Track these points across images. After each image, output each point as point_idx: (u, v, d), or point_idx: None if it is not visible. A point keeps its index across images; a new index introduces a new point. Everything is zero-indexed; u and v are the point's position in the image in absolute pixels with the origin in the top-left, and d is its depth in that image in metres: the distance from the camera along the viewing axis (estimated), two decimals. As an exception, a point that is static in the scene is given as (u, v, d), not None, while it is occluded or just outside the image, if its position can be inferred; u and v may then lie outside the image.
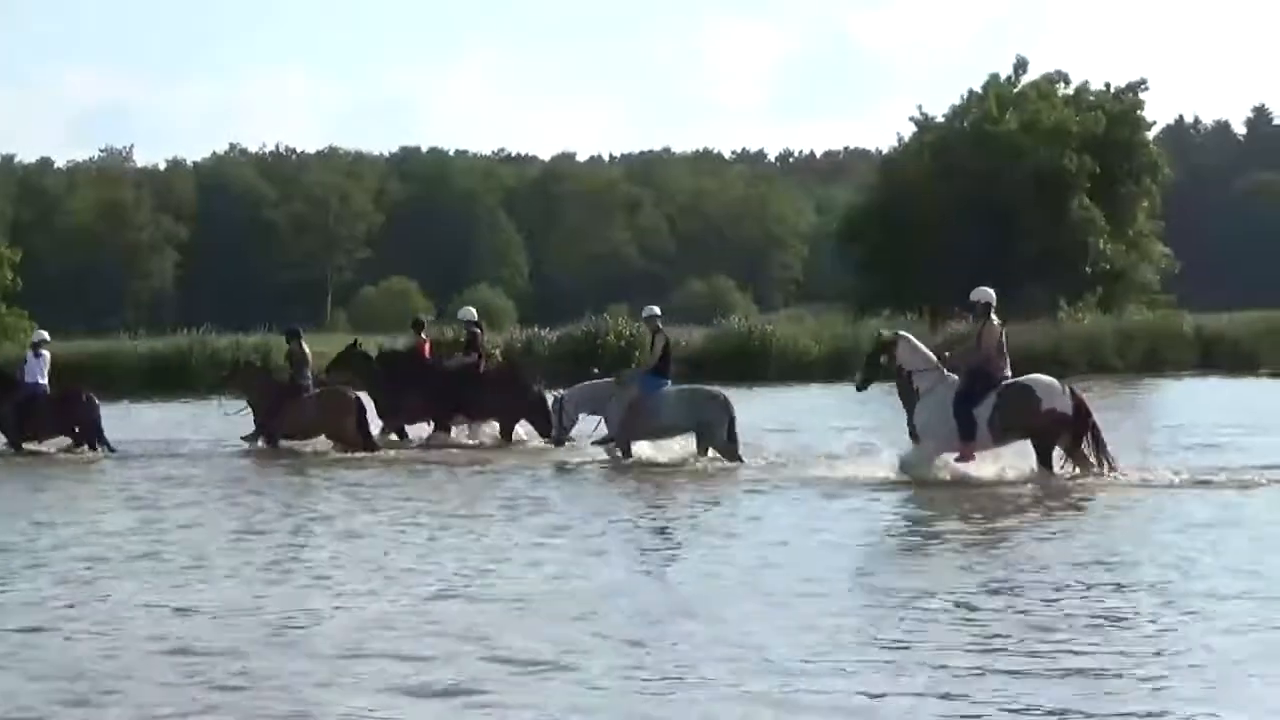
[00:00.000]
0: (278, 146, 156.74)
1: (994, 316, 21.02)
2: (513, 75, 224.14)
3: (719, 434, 24.60)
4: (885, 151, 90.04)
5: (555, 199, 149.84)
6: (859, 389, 22.52)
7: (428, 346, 30.99)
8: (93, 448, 28.73)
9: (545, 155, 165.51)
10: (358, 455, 27.20)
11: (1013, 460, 21.22)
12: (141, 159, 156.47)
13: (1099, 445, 20.56)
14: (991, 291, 21.22)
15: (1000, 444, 20.86)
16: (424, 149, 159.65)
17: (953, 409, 20.51)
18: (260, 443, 28.74)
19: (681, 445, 25.30)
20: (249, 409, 29.23)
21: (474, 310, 30.72)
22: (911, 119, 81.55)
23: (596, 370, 29.63)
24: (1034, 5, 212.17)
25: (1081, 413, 20.50)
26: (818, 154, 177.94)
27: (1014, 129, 75.35)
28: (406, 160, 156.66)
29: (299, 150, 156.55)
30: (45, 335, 31.04)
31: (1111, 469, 20.48)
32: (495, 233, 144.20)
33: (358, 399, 28.51)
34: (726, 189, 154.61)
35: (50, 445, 29.53)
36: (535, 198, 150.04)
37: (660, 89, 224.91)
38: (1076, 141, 74.42)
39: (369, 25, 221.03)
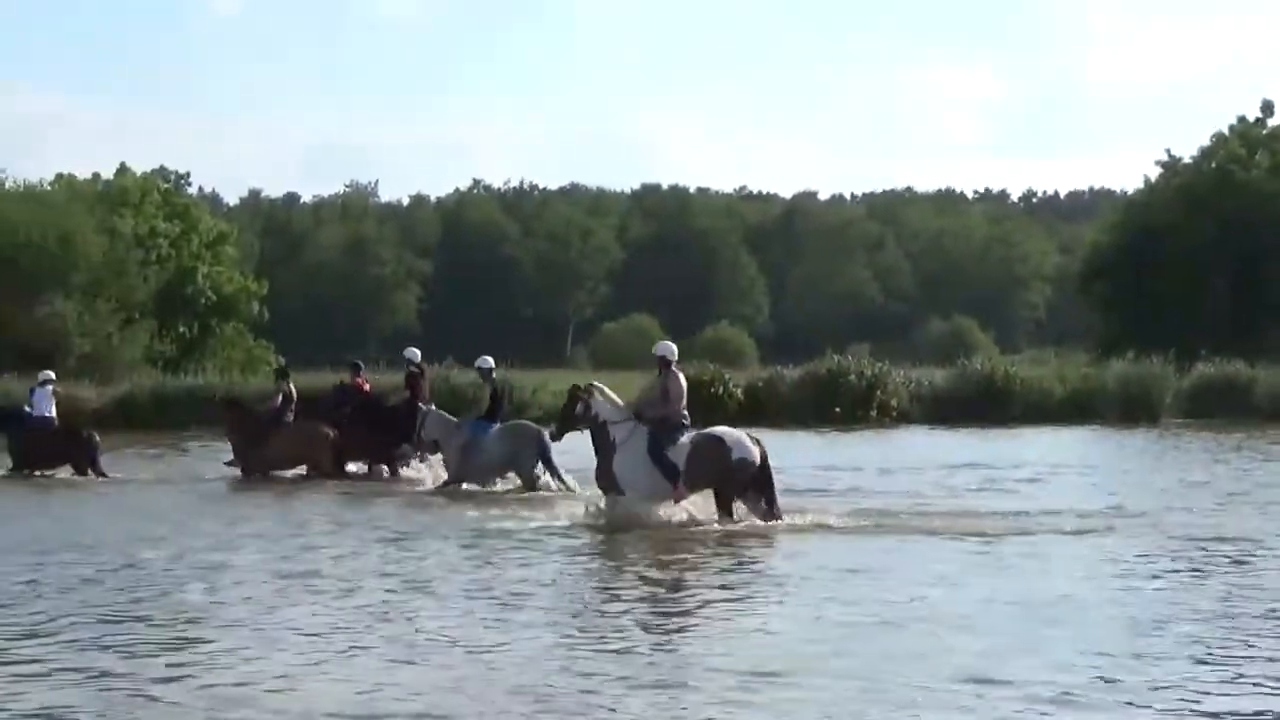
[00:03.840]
0: (520, 183, 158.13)
1: (676, 369, 21.65)
2: (753, 113, 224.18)
3: (527, 466, 26.71)
4: (1131, 193, 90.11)
5: (796, 237, 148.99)
6: (553, 439, 23.81)
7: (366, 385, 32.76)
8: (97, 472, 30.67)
9: (786, 193, 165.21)
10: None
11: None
12: (385, 195, 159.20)
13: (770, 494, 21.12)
14: (673, 345, 21.99)
15: (692, 492, 21.18)
16: (665, 186, 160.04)
17: (650, 456, 21.03)
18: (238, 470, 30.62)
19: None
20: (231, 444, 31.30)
21: (418, 352, 31.67)
22: (1159, 162, 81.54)
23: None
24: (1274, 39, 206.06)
25: (764, 463, 21.06)
26: (1061, 194, 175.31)
27: (1263, 172, 73.98)
28: (648, 197, 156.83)
29: (541, 186, 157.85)
30: (51, 375, 33.32)
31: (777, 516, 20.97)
32: (736, 270, 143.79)
33: (329, 433, 30.15)
34: (968, 228, 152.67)
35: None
36: (776, 235, 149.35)
37: (899, 127, 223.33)
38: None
39: (610, 63, 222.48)
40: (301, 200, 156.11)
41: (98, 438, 31.51)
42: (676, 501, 21.03)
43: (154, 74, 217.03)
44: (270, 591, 15.48)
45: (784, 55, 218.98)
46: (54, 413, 32.06)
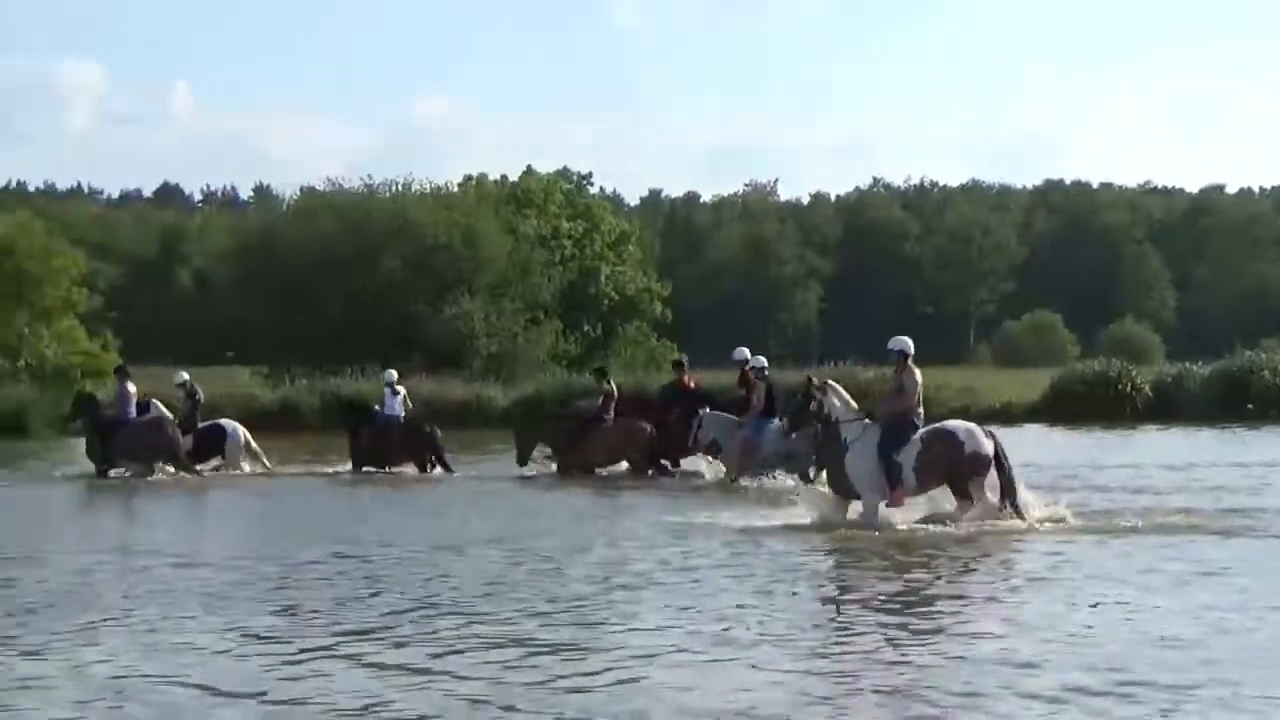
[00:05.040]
0: (921, 180, 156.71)
1: (911, 364, 21.05)
2: (1157, 108, 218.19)
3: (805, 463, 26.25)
4: None
5: (1203, 232, 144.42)
6: (787, 434, 24.43)
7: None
8: (442, 468, 32.04)
9: (1193, 188, 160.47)
10: None
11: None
12: (785, 193, 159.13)
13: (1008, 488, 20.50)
14: (909, 340, 21.31)
15: (922, 491, 20.80)
16: (1068, 182, 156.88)
17: (879, 455, 20.53)
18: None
19: None
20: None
21: (747, 351, 30.85)
22: None
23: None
24: None
25: (999, 456, 20.51)
26: None
27: None
28: (1050, 193, 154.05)
29: (941, 184, 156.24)
30: (395, 375, 34.59)
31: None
32: (1140, 265, 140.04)
33: (649, 431, 30.82)
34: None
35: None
36: (1183, 230, 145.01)
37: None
38: None
39: (1020, 59, 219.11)
40: (702, 200, 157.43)
41: (440, 433, 32.55)
42: (892, 505, 20.53)
43: (559, 80, 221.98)
44: (638, 584, 15.49)
45: (1190, 52, 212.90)
46: (400, 411, 33.14)
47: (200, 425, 32.86)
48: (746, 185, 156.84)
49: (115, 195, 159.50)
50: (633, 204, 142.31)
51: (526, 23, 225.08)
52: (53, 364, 63.74)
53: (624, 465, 31.10)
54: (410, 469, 32.08)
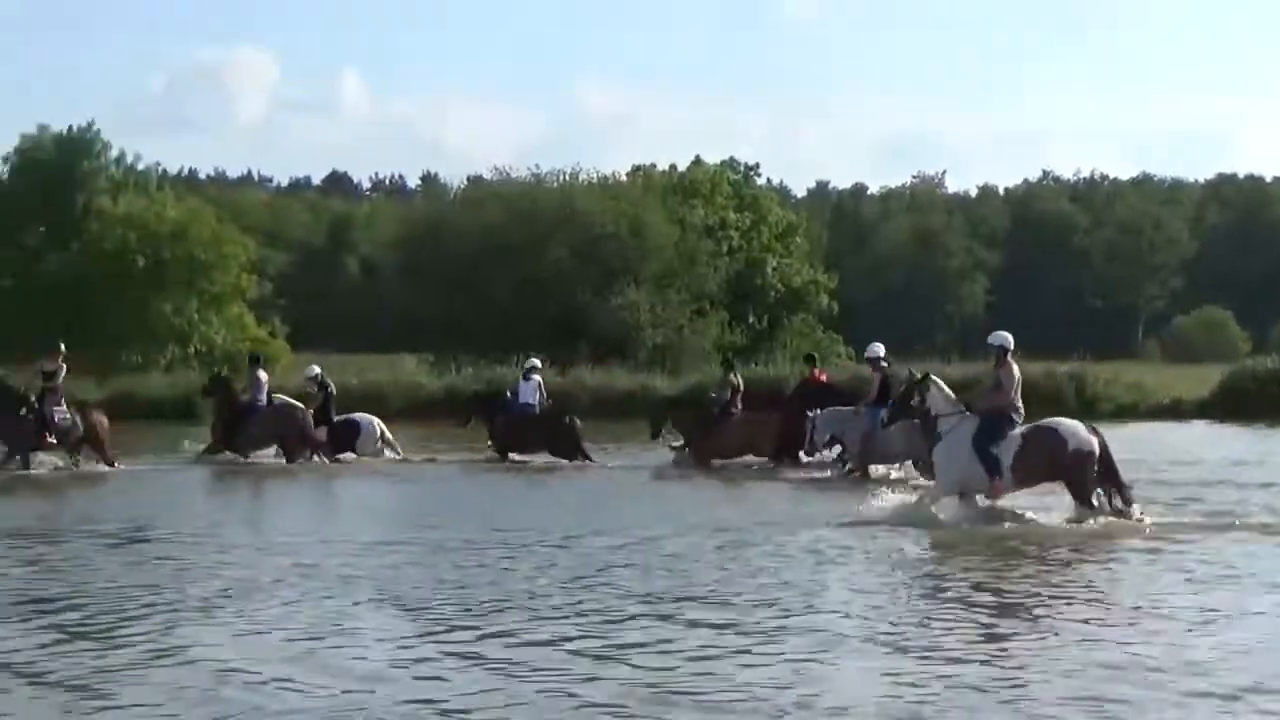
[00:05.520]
0: (1091, 174, 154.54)
1: (1010, 359, 20.89)
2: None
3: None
4: None
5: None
6: (883, 426, 24.99)
7: None
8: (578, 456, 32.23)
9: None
10: None
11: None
12: (953, 185, 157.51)
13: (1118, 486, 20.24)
14: (1009, 335, 21.18)
15: (1021, 487, 20.60)
16: (1241, 176, 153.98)
17: (974, 448, 20.29)
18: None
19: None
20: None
21: (880, 347, 30.43)
22: None
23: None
24: None
25: (1104, 453, 20.18)
26: None
27: None
28: (1223, 187, 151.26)
29: (1112, 177, 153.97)
30: (536, 363, 34.89)
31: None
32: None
33: (777, 423, 30.98)
34: None
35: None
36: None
37: None
38: None
39: (1192, 52, 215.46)
40: (869, 192, 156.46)
41: (580, 423, 32.96)
42: (993, 497, 20.42)
43: (727, 69, 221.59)
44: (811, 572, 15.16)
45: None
46: (535, 399, 33.25)
47: (335, 419, 33.25)
48: (914, 177, 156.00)
49: (284, 183, 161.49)
50: (800, 196, 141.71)
51: (695, 11, 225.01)
52: (221, 350, 64.51)
53: (751, 457, 31.23)
54: (545, 457, 32.35)
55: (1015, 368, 20.85)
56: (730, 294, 71.64)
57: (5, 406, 29.47)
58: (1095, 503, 20.00)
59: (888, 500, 21.08)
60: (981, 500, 20.44)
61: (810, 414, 29.52)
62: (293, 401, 33.11)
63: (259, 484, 28.34)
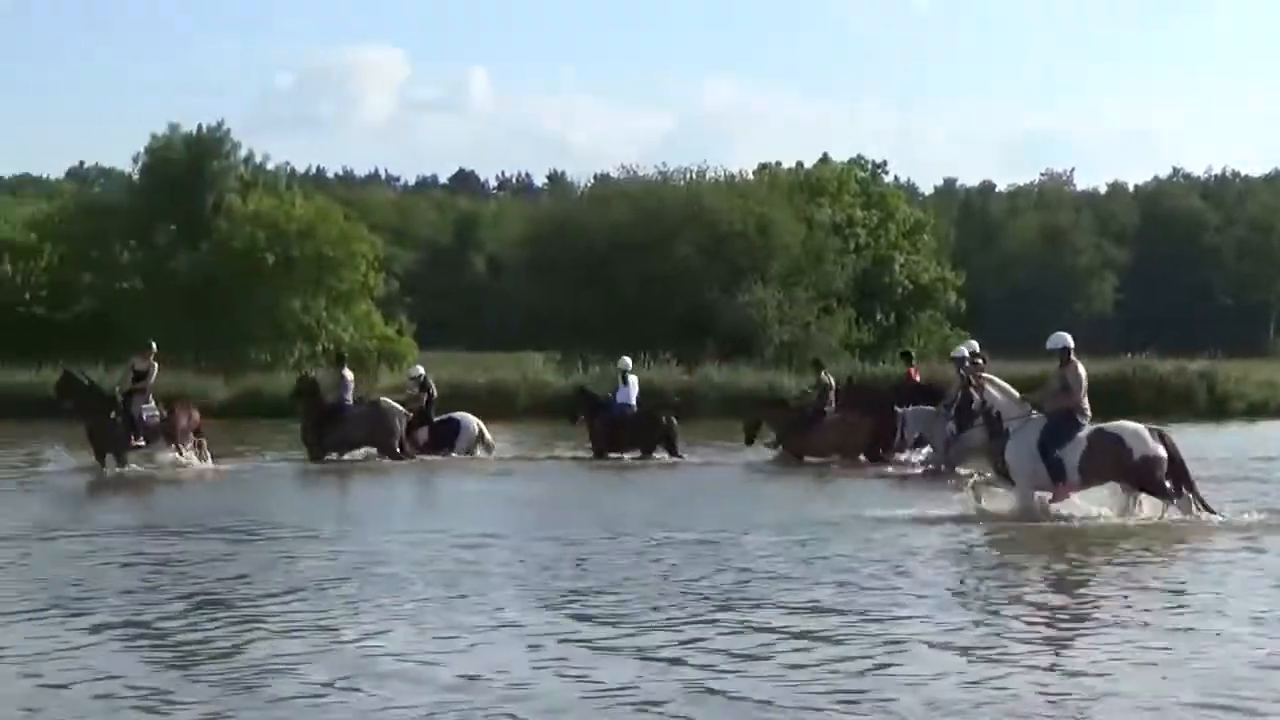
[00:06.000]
0: (1222, 171, 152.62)
1: (1075, 359, 20.93)
2: None
3: None
4: None
5: None
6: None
7: None
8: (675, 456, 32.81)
9: None
10: None
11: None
12: (1082, 183, 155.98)
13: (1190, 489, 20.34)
14: (1068, 335, 21.25)
15: (1088, 486, 20.63)
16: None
17: (1039, 451, 20.44)
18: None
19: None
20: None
21: (972, 345, 30.36)
22: None
23: None
24: None
25: (1173, 457, 20.30)
26: None
27: None
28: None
29: (1243, 174, 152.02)
30: (629, 362, 35.24)
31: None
32: None
33: (869, 423, 31.22)
34: None
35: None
36: None
37: None
38: None
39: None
40: (997, 189, 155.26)
41: (677, 422, 33.49)
42: (1057, 500, 20.46)
43: (853, 66, 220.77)
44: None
45: None
46: (633, 399, 33.84)
47: (436, 418, 33.53)
48: (1043, 174, 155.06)
49: (411, 182, 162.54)
50: (927, 193, 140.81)
51: (822, 9, 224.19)
52: (349, 347, 64.85)
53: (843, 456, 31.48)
54: (640, 454, 32.91)
55: (1081, 368, 20.94)
56: (857, 291, 71.29)
57: (96, 410, 29.58)
58: (1146, 506, 20.23)
59: (969, 499, 21.11)
60: (1048, 501, 20.55)
61: (900, 412, 29.93)
62: (385, 400, 33.48)
63: (364, 480, 28.55)
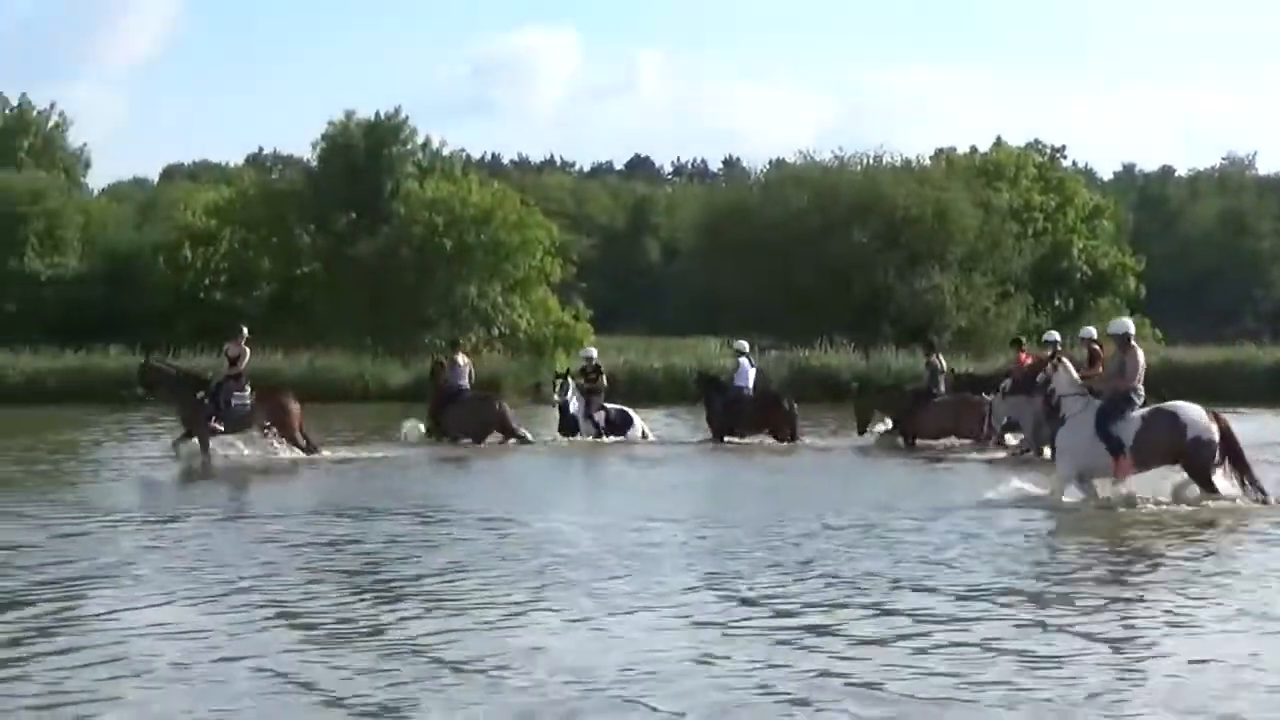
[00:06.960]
0: None
1: (1135, 345, 21.08)
2: None
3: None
4: None
5: None
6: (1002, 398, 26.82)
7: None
8: (793, 438, 33.05)
9: None
10: None
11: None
12: (1264, 167, 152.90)
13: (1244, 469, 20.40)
14: (1129, 321, 21.60)
15: (1141, 469, 20.61)
16: None
17: (1096, 430, 20.50)
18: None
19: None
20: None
21: (745, 344, 32.47)
22: None
23: None
24: None
25: (1226, 438, 20.35)
26: None
27: None
28: None
29: None
30: (745, 345, 35.57)
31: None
32: None
33: (982, 405, 31.47)
34: None
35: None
36: None
37: None
38: None
39: None
40: (1177, 174, 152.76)
41: (796, 407, 34.00)
42: (1118, 476, 20.54)
43: (1027, 50, 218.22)
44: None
45: None
46: (750, 382, 34.19)
47: (610, 407, 34.24)
48: (1224, 159, 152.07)
49: (587, 168, 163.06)
50: (1106, 178, 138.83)
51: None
52: (525, 333, 65.11)
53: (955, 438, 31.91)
54: (764, 439, 33.12)
55: (1140, 353, 21.09)
56: (1035, 277, 70.52)
57: (186, 389, 29.97)
58: (1219, 486, 20.16)
59: (1035, 485, 21.27)
60: (1110, 484, 20.60)
61: (989, 397, 30.48)
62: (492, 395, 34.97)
63: (521, 463, 29.10)
